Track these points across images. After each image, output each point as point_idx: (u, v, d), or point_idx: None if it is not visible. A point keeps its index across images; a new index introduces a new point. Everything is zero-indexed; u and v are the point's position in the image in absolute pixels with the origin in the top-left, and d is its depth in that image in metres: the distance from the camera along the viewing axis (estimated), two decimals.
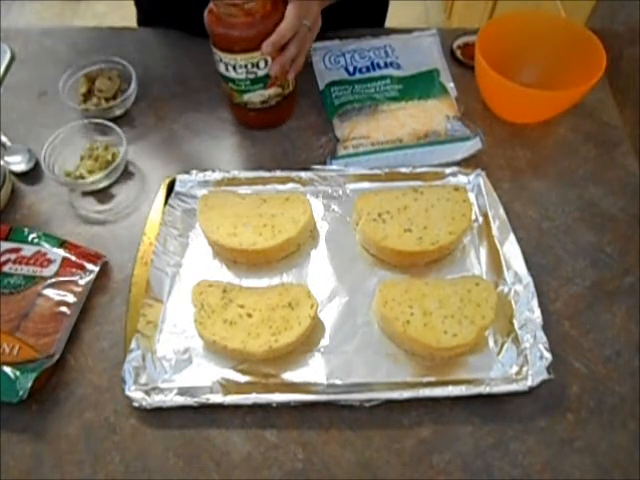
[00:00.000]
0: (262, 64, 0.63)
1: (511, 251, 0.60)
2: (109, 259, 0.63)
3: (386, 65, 0.77)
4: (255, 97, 0.68)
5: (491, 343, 0.55)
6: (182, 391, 0.52)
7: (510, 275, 0.59)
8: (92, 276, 0.60)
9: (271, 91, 0.67)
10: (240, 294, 0.57)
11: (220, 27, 0.61)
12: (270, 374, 0.54)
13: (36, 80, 0.80)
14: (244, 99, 0.68)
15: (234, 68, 0.64)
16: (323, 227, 0.64)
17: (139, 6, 0.91)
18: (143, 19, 0.92)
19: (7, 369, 0.52)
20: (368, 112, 0.72)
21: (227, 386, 0.53)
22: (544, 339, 0.53)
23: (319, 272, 0.61)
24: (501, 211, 0.63)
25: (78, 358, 0.56)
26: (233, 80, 0.66)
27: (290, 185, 0.67)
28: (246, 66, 0.63)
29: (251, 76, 0.65)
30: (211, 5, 0.62)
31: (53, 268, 0.59)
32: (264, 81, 0.66)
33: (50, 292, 0.57)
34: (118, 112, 0.74)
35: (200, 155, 0.72)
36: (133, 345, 0.54)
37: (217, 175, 0.68)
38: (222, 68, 0.66)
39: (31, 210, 0.67)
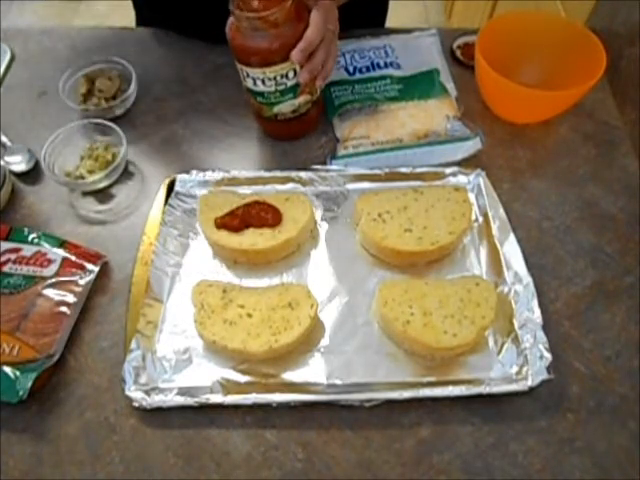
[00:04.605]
0: (291, 74, 0.62)
1: (511, 251, 0.60)
2: (109, 259, 0.63)
3: (386, 65, 0.77)
4: (286, 107, 0.66)
5: (491, 343, 0.55)
6: (182, 391, 0.52)
7: (510, 275, 0.59)
8: (92, 276, 0.60)
9: (301, 99, 0.66)
10: (240, 294, 0.57)
11: (245, 42, 0.59)
12: (270, 374, 0.54)
13: (36, 80, 0.80)
14: (274, 111, 0.66)
15: (263, 82, 0.62)
16: (323, 227, 0.64)
17: (137, 8, 0.91)
18: (141, 21, 0.92)
19: (7, 369, 0.52)
20: (368, 112, 0.72)
21: (227, 386, 0.53)
22: (544, 339, 0.53)
23: (319, 272, 0.61)
24: (501, 211, 0.63)
25: (78, 358, 0.56)
26: (262, 94, 0.64)
27: (290, 185, 0.67)
28: (275, 78, 0.62)
29: (281, 87, 0.63)
30: (232, 19, 0.60)
31: (53, 268, 0.59)
32: (294, 90, 0.64)
33: (50, 292, 0.57)
34: (118, 112, 0.74)
35: (200, 155, 0.72)
36: (133, 345, 0.54)
37: (217, 175, 0.67)
38: (250, 83, 0.63)
39: (31, 210, 0.67)
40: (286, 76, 0.62)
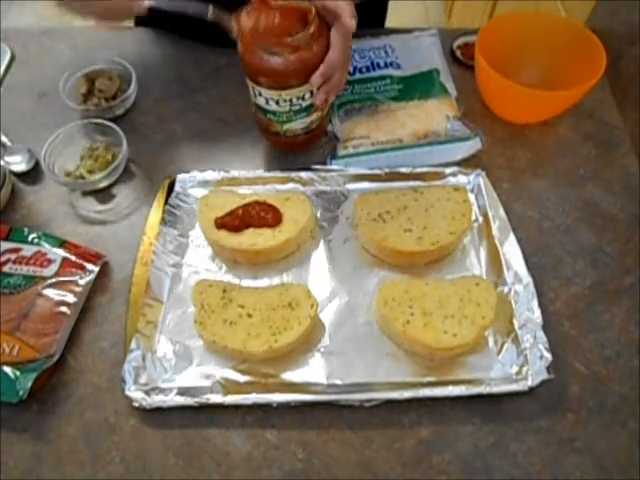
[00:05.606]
0: (307, 95, 0.60)
1: (511, 251, 0.60)
2: (109, 259, 0.63)
3: (386, 65, 0.77)
4: (297, 125, 0.64)
5: (491, 343, 0.55)
6: (182, 391, 0.52)
7: (510, 275, 0.59)
8: (92, 276, 0.60)
9: (313, 117, 0.64)
10: (240, 294, 0.57)
11: (260, 62, 0.56)
12: (270, 374, 0.54)
13: (36, 80, 0.80)
14: (284, 128, 0.64)
15: (277, 102, 0.60)
16: (323, 227, 0.64)
17: None
18: (139, 22, 0.91)
19: (7, 369, 0.52)
20: (368, 112, 0.72)
21: (227, 386, 0.53)
22: (544, 339, 0.53)
23: (319, 272, 0.61)
24: (501, 211, 0.63)
25: (78, 358, 0.56)
26: (274, 112, 0.62)
27: (290, 185, 0.67)
28: (291, 100, 0.59)
29: (295, 108, 0.61)
30: (244, 33, 0.56)
31: (53, 268, 0.59)
32: (308, 110, 0.62)
33: (50, 292, 0.57)
34: (118, 112, 0.74)
35: (200, 155, 0.72)
36: (133, 345, 0.54)
37: (217, 175, 0.68)
38: (262, 102, 0.61)
39: (31, 210, 0.67)
40: (302, 97, 0.60)
